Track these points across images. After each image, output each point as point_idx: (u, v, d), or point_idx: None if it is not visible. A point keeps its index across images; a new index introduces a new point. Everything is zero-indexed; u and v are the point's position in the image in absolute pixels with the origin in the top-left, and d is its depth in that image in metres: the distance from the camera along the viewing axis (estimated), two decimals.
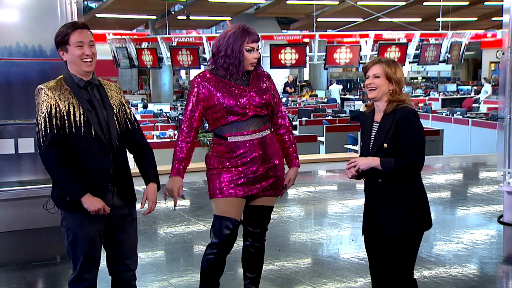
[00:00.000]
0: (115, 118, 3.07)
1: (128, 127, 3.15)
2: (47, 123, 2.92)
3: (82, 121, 2.96)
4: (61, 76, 3.07)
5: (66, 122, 2.94)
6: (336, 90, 23.10)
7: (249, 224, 3.57)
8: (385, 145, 3.02)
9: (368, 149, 3.13)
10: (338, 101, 21.47)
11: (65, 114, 2.94)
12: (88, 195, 2.91)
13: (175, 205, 3.49)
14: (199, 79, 3.40)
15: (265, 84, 3.47)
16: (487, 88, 21.17)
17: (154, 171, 3.18)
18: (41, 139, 2.93)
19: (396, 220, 3.05)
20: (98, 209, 2.91)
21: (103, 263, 3.12)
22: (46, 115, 2.92)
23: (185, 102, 3.49)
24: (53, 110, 2.93)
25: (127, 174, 3.13)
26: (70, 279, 3.05)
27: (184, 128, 3.43)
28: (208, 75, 3.41)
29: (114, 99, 3.12)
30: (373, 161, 3.04)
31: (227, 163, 3.39)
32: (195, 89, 3.38)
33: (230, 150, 3.39)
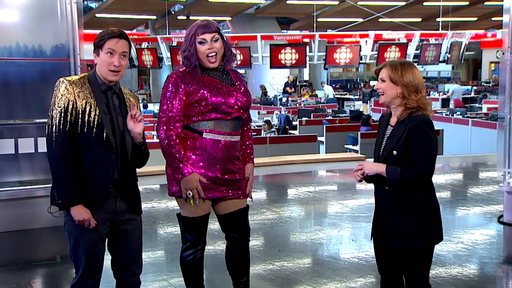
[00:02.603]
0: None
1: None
2: (62, 119, 2.90)
3: (95, 122, 2.94)
4: (86, 74, 3.06)
5: (80, 120, 2.92)
6: (331, 91, 23.17)
7: (231, 230, 3.52)
8: (394, 152, 2.92)
9: (379, 152, 3.04)
10: (331, 96, 21.49)
11: (80, 112, 2.92)
12: (80, 206, 2.90)
13: (197, 201, 3.33)
14: (180, 74, 3.31)
15: (243, 86, 3.45)
16: (451, 86, 21.70)
17: (145, 142, 3.13)
18: (54, 134, 2.90)
19: (402, 231, 2.95)
20: (83, 219, 2.90)
21: (106, 264, 3.12)
22: (62, 110, 2.90)
23: (162, 99, 3.31)
24: (70, 106, 2.91)
25: (134, 184, 3.11)
26: (72, 283, 3.04)
27: (175, 125, 3.26)
28: (188, 70, 3.32)
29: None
30: (380, 168, 2.95)
31: (191, 161, 3.28)
32: (178, 85, 3.26)
33: (199, 147, 3.29)
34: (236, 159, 3.42)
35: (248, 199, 3.56)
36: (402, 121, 2.95)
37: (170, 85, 3.30)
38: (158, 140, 3.35)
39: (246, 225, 3.55)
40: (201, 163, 3.31)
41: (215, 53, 3.29)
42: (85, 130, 2.92)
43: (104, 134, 2.95)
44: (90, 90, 2.97)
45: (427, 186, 2.96)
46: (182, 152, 3.27)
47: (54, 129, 2.90)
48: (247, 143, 3.56)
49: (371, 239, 3.17)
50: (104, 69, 2.97)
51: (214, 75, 3.36)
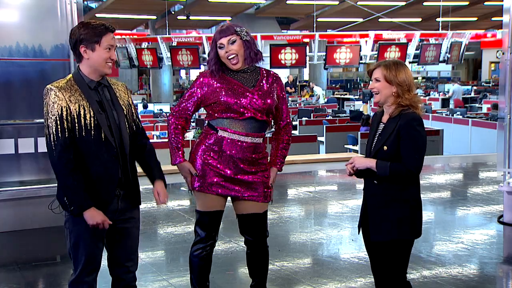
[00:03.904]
0: (125, 119, 3.05)
1: (133, 129, 3.12)
2: (59, 127, 2.85)
3: (92, 124, 2.90)
4: (70, 75, 3.01)
5: (76, 125, 2.88)
6: (321, 91, 23.05)
7: (244, 232, 3.57)
8: (385, 148, 3.00)
9: (370, 148, 3.12)
10: (322, 101, 21.35)
11: (75, 116, 2.88)
12: (92, 208, 2.88)
13: (189, 191, 3.53)
14: (207, 75, 3.43)
15: (271, 88, 3.45)
16: (451, 87, 21.78)
17: (160, 170, 3.18)
18: (53, 143, 2.85)
19: (385, 224, 3.04)
20: (97, 223, 2.88)
21: (103, 263, 3.12)
22: (58, 118, 2.85)
23: (184, 93, 3.52)
24: (64, 113, 2.86)
25: (135, 178, 3.11)
26: (70, 280, 3.05)
27: (182, 117, 3.47)
28: (215, 72, 3.42)
29: (123, 99, 3.09)
30: (370, 162, 3.03)
31: (210, 156, 3.40)
32: (200, 86, 3.41)
33: (215, 143, 3.39)
34: (254, 161, 3.44)
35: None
36: (394, 118, 3.03)
37: (197, 81, 3.45)
38: (165, 140, 3.47)
39: (260, 229, 3.57)
40: (216, 159, 3.40)
41: (234, 55, 3.36)
42: (84, 134, 2.89)
43: (103, 135, 2.93)
44: (80, 92, 2.93)
45: (414, 181, 3.06)
46: (180, 141, 3.46)
47: (52, 138, 2.86)
48: (280, 146, 3.61)
49: (358, 233, 3.26)
50: (102, 63, 2.95)
51: (238, 76, 3.41)
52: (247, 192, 3.45)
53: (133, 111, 3.14)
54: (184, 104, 3.45)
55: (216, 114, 3.40)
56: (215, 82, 3.39)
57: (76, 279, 3.01)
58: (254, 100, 3.38)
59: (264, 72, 3.48)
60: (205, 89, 3.39)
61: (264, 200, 3.51)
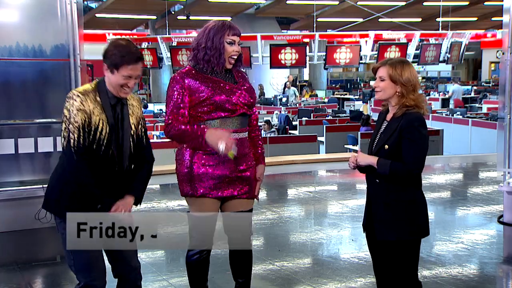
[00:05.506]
0: (130, 139, 3.03)
1: (139, 144, 3.11)
2: (81, 135, 2.87)
3: (105, 140, 2.92)
4: (95, 84, 2.98)
5: (91, 137, 2.90)
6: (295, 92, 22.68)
7: (231, 230, 3.52)
8: (386, 146, 3.00)
9: (372, 146, 3.12)
10: (292, 99, 21.14)
11: (92, 129, 2.90)
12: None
13: (233, 150, 3.20)
14: (183, 74, 3.32)
15: (248, 84, 3.48)
16: (451, 87, 21.71)
17: (142, 190, 3.12)
18: (73, 148, 2.86)
19: (391, 223, 3.03)
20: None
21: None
22: (80, 126, 2.86)
23: (168, 99, 3.34)
24: (86, 123, 2.88)
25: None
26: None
27: (184, 116, 3.28)
28: (193, 71, 3.35)
29: (135, 116, 3.07)
30: (372, 160, 3.02)
31: (204, 160, 3.32)
32: (182, 83, 3.29)
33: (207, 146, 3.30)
34: (244, 156, 3.41)
35: (255, 200, 3.56)
36: (397, 118, 3.02)
37: (175, 84, 3.31)
38: (165, 140, 3.35)
39: (248, 225, 3.53)
40: (210, 162, 3.33)
41: (237, 56, 3.36)
42: (95, 147, 2.91)
43: (110, 152, 2.94)
44: (101, 105, 2.93)
45: (415, 182, 3.05)
46: (192, 125, 3.24)
47: (73, 144, 2.86)
48: (259, 142, 3.57)
49: (364, 232, 3.25)
50: (116, 87, 2.93)
51: (218, 74, 3.37)
52: (238, 190, 3.42)
53: (143, 127, 3.12)
54: (181, 109, 3.27)
55: (205, 116, 3.31)
56: (199, 82, 3.30)
57: (84, 286, 2.97)
58: (243, 95, 3.38)
59: (233, 70, 3.45)
60: (192, 87, 3.29)
61: (252, 197, 3.50)
